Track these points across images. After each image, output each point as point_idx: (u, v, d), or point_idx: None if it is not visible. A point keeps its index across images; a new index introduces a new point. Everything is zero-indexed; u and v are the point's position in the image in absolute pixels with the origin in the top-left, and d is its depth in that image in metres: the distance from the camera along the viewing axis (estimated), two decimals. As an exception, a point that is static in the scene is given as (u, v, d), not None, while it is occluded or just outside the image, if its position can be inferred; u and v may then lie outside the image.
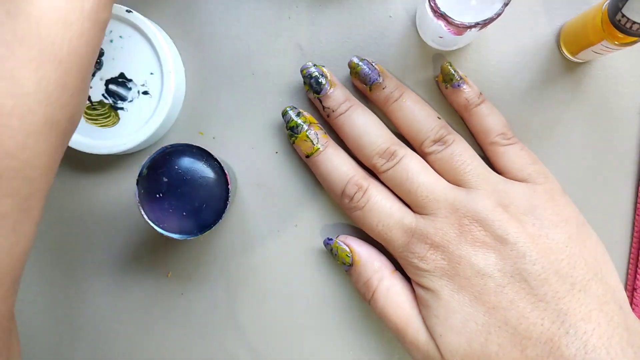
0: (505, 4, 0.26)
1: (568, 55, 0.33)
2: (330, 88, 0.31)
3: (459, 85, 0.31)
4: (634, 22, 0.26)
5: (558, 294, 0.26)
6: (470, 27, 0.27)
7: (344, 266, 0.32)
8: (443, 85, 0.31)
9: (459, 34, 0.29)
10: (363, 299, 0.32)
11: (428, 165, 0.30)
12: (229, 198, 0.30)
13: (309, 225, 0.35)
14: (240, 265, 0.35)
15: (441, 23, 0.28)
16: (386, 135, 0.30)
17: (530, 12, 0.34)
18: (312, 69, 0.31)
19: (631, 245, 0.34)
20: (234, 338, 0.35)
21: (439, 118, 0.31)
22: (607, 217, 0.34)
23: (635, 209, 0.34)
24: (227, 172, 0.30)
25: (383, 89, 0.31)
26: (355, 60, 0.31)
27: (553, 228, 0.28)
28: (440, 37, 0.31)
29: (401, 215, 0.29)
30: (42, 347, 0.37)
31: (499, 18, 0.27)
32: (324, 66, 0.32)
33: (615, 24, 0.27)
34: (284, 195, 0.35)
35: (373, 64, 0.31)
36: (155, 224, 0.30)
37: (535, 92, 0.34)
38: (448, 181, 0.29)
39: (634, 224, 0.34)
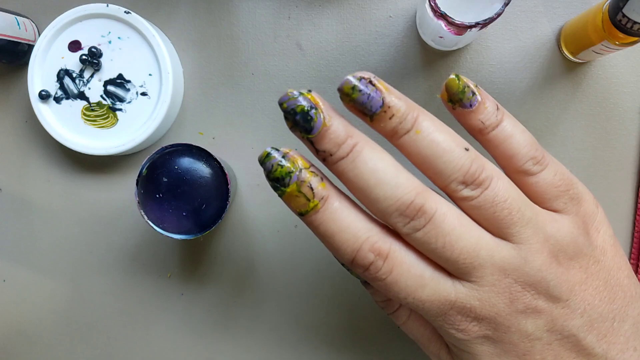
0: (506, 4, 0.26)
1: (568, 55, 0.33)
2: (324, 124, 0.22)
3: (471, 106, 0.24)
4: (635, 22, 0.26)
5: (599, 336, 0.25)
6: (470, 27, 0.27)
7: (360, 280, 0.28)
8: (449, 105, 0.24)
9: (459, 34, 0.29)
10: (381, 309, 0.30)
11: (466, 217, 0.23)
12: (229, 198, 0.30)
13: (309, 225, 0.35)
14: (240, 265, 0.35)
15: (441, 23, 0.28)
16: (407, 182, 0.23)
17: (530, 12, 0.34)
18: (300, 100, 0.22)
19: (631, 245, 0.34)
20: (233, 338, 0.35)
21: (467, 149, 0.23)
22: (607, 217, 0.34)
23: (636, 209, 0.34)
24: (227, 172, 0.30)
25: (389, 118, 0.22)
26: (351, 81, 0.22)
27: (595, 265, 0.25)
28: (441, 37, 0.31)
29: (436, 285, 0.23)
30: (43, 346, 0.37)
31: (499, 18, 0.27)
32: (310, 91, 0.22)
33: (616, 24, 0.27)
34: (283, 195, 0.35)
35: (373, 81, 0.22)
36: (155, 224, 0.30)
37: (536, 92, 0.34)
38: (486, 229, 0.24)
39: (634, 224, 0.34)
